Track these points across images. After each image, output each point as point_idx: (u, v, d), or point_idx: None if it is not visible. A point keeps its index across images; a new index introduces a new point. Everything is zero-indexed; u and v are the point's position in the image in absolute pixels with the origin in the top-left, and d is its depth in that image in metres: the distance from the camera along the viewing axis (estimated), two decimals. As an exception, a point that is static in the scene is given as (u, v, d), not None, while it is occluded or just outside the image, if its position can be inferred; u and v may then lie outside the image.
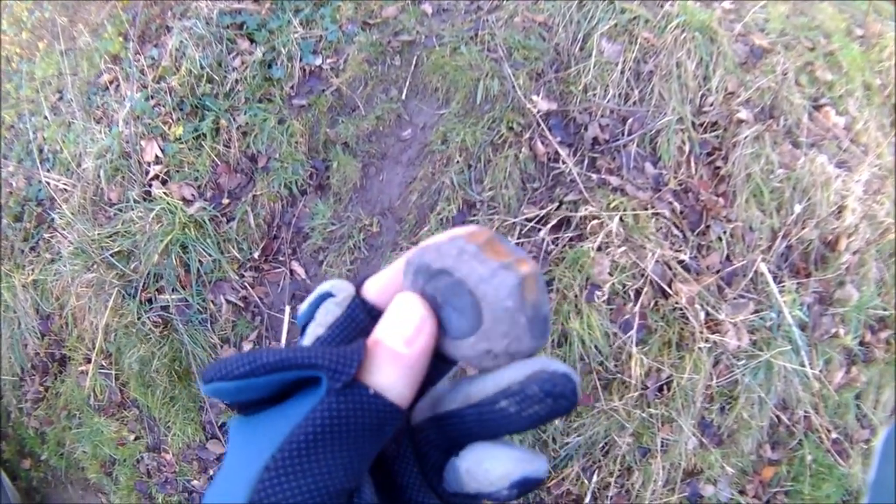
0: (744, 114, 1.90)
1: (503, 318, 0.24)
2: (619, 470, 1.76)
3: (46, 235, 2.10)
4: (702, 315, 1.74)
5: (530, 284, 0.24)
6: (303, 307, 0.30)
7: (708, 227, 1.83)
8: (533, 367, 0.24)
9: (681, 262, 1.76)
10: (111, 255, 1.88)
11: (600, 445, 1.75)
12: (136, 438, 2.06)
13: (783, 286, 1.84)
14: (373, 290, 0.29)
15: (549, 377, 0.24)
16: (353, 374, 0.23)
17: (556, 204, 1.78)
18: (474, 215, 1.79)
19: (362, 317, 0.29)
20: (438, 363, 0.27)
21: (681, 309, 1.73)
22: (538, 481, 0.25)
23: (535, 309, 0.24)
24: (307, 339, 0.29)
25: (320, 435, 0.23)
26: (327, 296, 0.29)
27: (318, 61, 1.97)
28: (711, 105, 1.91)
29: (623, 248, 1.71)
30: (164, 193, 1.89)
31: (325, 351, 0.24)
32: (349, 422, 0.23)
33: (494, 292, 0.24)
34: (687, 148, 1.87)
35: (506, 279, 0.24)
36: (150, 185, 1.93)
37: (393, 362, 0.24)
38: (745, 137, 1.87)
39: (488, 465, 0.25)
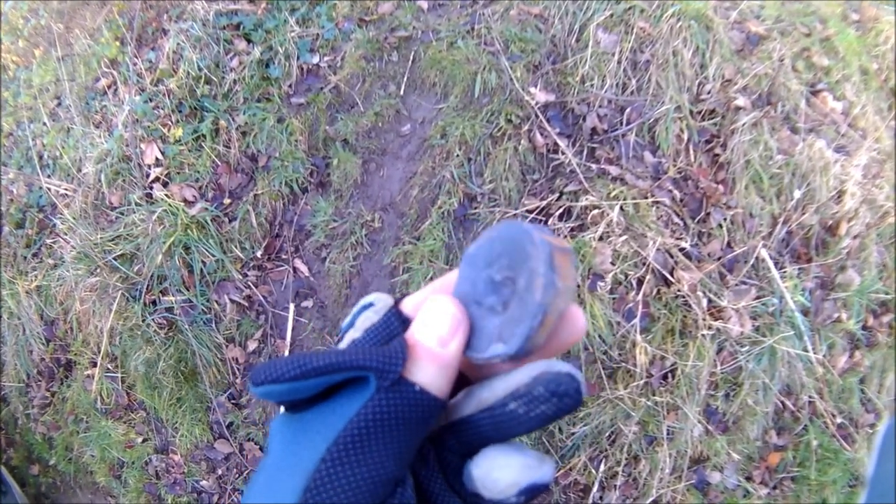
0: (741, 101, 1.90)
1: None
2: (626, 458, 1.77)
3: (49, 241, 2.11)
4: (704, 302, 1.74)
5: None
6: (346, 319, 0.33)
7: (708, 214, 1.83)
8: (538, 368, 0.26)
9: (682, 249, 1.77)
10: (114, 258, 1.89)
11: (607, 434, 1.76)
12: (143, 440, 2.06)
13: (784, 272, 1.84)
14: (409, 305, 0.32)
15: (553, 377, 0.26)
16: (400, 373, 0.26)
17: (557, 195, 1.79)
18: (475, 208, 1.79)
19: (396, 324, 0.32)
20: None
21: (683, 296, 1.74)
22: (545, 486, 0.26)
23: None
24: (344, 343, 0.32)
25: (373, 428, 0.25)
26: (369, 306, 0.33)
27: (316, 59, 1.97)
28: (709, 93, 1.91)
29: (624, 238, 1.72)
30: (166, 195, 1.89)
31: (371, 352, 0.26)
32: (398, 415, 0.25)
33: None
34: (685, 136, 1.87)
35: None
36: (151, 188, 1.94)
37: (432, 361, 0.27)
38: (743, 124, 1.87)
39: (497, 474, 0.26)
